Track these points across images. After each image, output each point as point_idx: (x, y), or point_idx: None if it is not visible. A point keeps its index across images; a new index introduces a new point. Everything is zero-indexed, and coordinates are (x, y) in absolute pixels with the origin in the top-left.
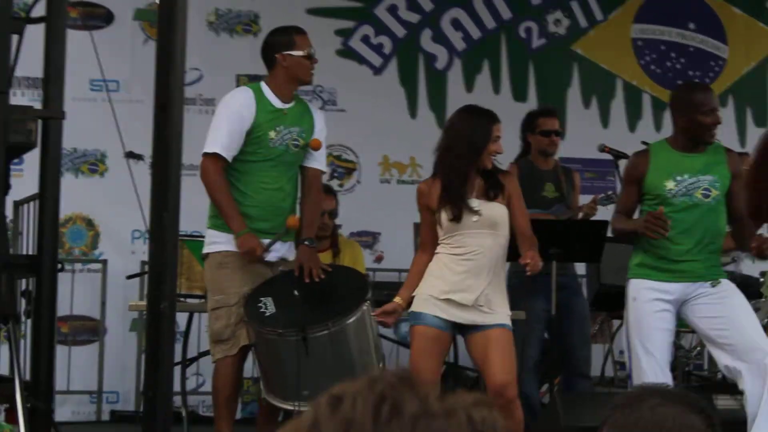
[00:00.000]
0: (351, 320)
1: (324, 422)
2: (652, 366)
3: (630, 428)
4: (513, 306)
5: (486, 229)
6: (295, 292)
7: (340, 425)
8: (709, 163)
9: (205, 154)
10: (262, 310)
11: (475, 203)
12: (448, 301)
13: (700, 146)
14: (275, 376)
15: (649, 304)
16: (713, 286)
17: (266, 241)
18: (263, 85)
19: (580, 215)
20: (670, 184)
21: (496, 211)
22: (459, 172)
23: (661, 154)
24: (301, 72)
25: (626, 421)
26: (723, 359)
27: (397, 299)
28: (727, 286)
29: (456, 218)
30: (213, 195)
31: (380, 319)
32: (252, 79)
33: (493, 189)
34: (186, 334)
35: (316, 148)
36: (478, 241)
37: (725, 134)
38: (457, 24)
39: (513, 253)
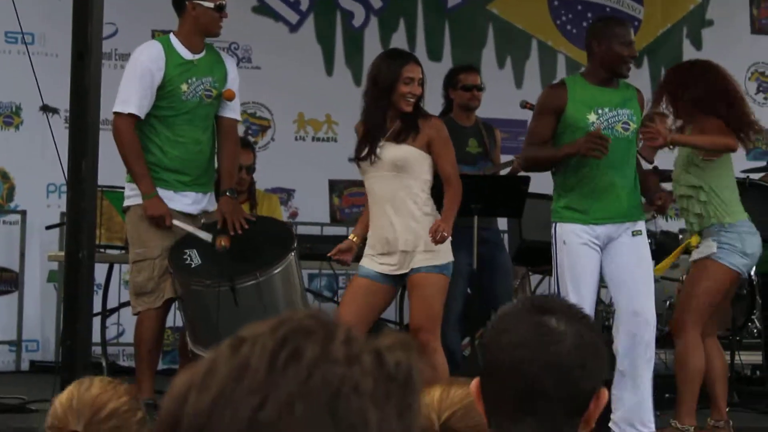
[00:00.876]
0: (278, 270)
1: (220, 364)
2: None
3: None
4: None
5: (387, 172)
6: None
7: (234, 369)
8: (624, 97)
9: (117, 114)
10: (187, 261)
11: (380, 144)
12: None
13: (614, 80)
14: (203, 327)
15: (581, 248)
16: (633, 236)
17: (180, 223)
18: (172, 37)
19: (509, 170)
20: (592, 117)
21: (399, 153)
22: (372, 115)
23: (577, 87)
24: (209, 23)
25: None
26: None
27: (352, 236)
28: (641, 242)
29: (361, 158)
30: (124, 154)
31: (336, 257)
32: None
33: (404, 132)
34: (106, 284)
35: (230, 98)
36: (380, 184)
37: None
38: None
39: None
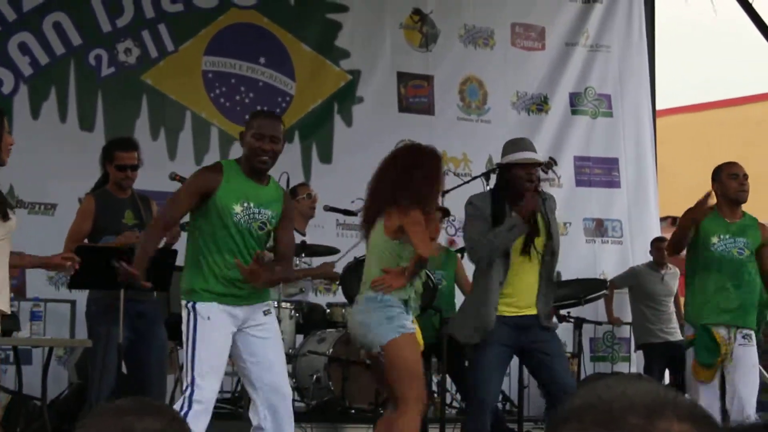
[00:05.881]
0: None
1: None
2: (213, 385)
3: None
4: (91, 334)
5: None
6: None
7: None
8: (271, 198)
9: None
10: None
11: None
12: None
13: (256, 176)
14: None
15: (225, 327)
16: (265, 315)
17: None
18: None
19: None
20: (237, 209)
21: None
22: None
23: (233, 175)
24: None
25: None
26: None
27: None
28: (272, 321)
29: None
30: None
31: None
32: None
33: None
34: None
35: None
36: None
37: (292, 169)
38: (24, 48)
39: (88, 280)
